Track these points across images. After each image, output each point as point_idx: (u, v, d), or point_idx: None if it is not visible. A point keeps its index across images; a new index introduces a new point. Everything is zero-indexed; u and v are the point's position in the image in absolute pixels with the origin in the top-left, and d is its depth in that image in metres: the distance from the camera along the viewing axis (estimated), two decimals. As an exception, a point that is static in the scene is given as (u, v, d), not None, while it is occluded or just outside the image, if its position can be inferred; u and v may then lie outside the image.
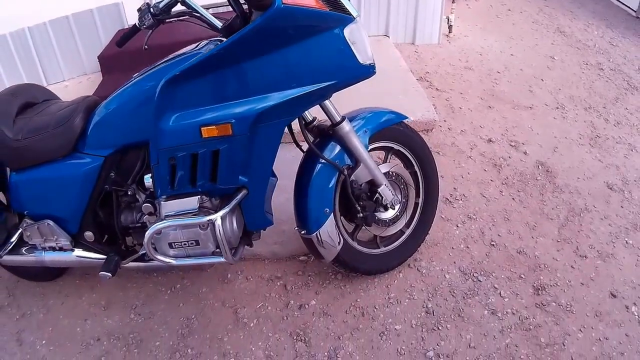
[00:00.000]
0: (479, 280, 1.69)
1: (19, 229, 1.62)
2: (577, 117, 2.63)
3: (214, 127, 1.24)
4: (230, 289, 1.73)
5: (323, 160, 1.44)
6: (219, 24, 1.34)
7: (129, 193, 1.49)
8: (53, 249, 1.62)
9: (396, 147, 1.60)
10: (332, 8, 1.25)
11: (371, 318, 1.57)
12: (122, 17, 3.25)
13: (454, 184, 2.11)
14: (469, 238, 1.85)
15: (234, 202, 1.34)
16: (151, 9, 1.36)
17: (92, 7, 3.16)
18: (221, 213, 1.32)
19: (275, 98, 1.24)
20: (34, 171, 1.50)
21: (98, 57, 3.03)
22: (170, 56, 1.43)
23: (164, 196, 1.38)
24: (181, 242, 1.40)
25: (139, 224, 1.51)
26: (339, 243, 1.51)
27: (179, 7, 1.38)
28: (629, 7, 4.09)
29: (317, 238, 1.47)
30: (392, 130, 1.57)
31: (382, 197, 1.51)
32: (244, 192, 1.36)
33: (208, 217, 1.33)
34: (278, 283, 1.72)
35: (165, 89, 1.24)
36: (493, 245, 1.82)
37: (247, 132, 1.25)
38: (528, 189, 2.10)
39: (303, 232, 1.50)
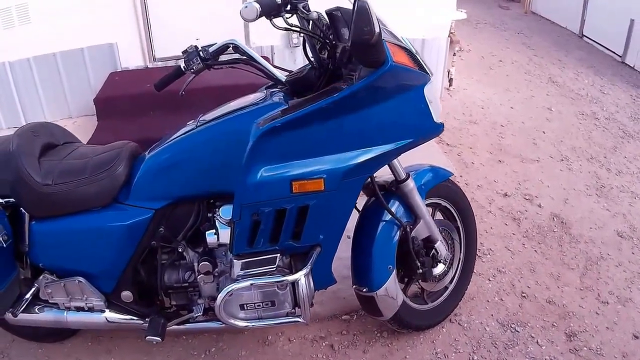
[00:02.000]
0: (517, 331, 1.80)
1: (34, 285, 1.46)
2: (581, 168, 2.85)
3: (306, 181, 1.21)
4: (273, 352, 1.69)
5: (386, 217, 1.44)
6: (281, 74, 1.35)
7: (179, 250, 1.40)
8: (79, 308, 1.47)
9: (443, 203, 1.67)
10: (416, 66, 1.29)
11: (422, 374, 1.63)
12: (115, 59, 3.03)
13: (480, 239, 2.24)
14: (502, 291, 1.98)
15: (312, 260, 1.31)
16: (200, 53, 1.32)
17: (83, 45, 2.91)
18: (304, 272, 1.29)
19: (365, 154, 1.24)
20: (63, 221, 1.37)
21: (94, 100, 2.82)
22: (233, 105, 1.37)
23: (234, 255, 1.31)
24: (255, 303, 1.34)
25: (186, 284, 1.43)
26: (400, 300, 1.54)
27: (229, 52, 1.34)
28: (614, 53, 4.43)
29: (380, 296, 1.47)
30: (441, 187, 1.63)
31: (438, 253, 1.57)
32: (318, 249, 1.33)
33: (292, 277, 1.29)
34: (323, 344, 1.73)
35: (260, 141, 1.19)
36: (524, 296, 1.96)
37: (336, 188, 1.23)
38: (547, 241, 2.26)
39: (364, 289, 1.48)
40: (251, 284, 1.32)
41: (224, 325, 1.44)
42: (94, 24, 2.87)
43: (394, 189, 1.50)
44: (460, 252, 1.81)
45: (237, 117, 1.32)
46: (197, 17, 3.02)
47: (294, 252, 1.36)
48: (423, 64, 1.32)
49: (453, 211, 1.75)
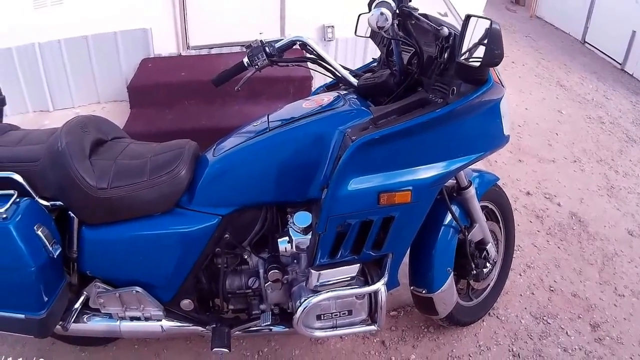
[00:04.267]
0: (548, 323, 1.95)
1: (82, 293, 1.38)
2: (592, 169, 3.03)
3: (393, 193, 1.20)
4: (326, 350, 1.72)
5: (447, 222, 1.48)
6: (352, 78, 1.32)
7: (245, 257, 1.37)
8: (134, 318, 1.41)
9: (491, 206, 1.75)
10: (498, 79, 1.29)
11: (468, 366, 1.74)
12: (148, 45, 2.95)
13: (511, 236, 2.45)
14: (532, 285, 2.13)
15: (387, 268, 1.32)
16: (266, 48, 1.27)
17: (116, 29, 2.81)
18: (383, 281, 1.30)
19: (449, 166, 1.25)
20: (119, 228, 1.29)
21: (127, 87, 2.76)
22: (305, 108, 1.32)
23: (315, 266, 1.28)
24: (332, 312, 1.33)
25: (249, 290, 1.41)
26: (455, 300, 1.63)
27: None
28: (614, 60, 4.67)
29: (438, 297, 1.53)
30: (490, 190, 1.70)
31: (489, 254, 1.66)
32: (390, 257, 1.33)
33: (373, 287, 1.30)
34: (375, 340, 1.79)
35: (354, 153, 1.16)
36: (552, 290, 2.11)
37: (421, 200, 1.24)
38: (568, 238, 2.42)
39: (423, 291, 1.53)
40: (331, 296, 1.30)
41: (287, 330, 1.43)
42: (129, 8, 2.77)
43: (455, 194, 1.54)
44: (501, 250, 1.93)
45: (317, 121, 1.28)
46: (233, 6, 2.97)
47: (368, 260, 1.36)
48: (499, 77, 1.32)
49: (497, 213, 1.86)
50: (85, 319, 1.43)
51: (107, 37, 2.83)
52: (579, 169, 3.04)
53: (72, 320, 1.37)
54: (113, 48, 2.87)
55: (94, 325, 1.43)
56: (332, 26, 3.19)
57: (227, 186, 1.30)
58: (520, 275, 2.21)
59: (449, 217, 1.53)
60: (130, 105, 2.79)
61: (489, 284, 1.91)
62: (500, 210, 1.87)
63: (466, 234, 1.56)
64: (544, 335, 1.93)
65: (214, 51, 3.16)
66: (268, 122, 1.34)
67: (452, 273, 1.58)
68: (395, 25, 1.25)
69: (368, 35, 1.61)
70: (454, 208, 1.53)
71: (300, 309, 1.31)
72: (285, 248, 1.32)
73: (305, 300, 1.31)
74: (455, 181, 1.53)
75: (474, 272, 1.63)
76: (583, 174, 3.00)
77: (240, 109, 2.78)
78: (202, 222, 1.30)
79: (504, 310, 2.02)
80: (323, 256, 1.28)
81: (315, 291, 1.34)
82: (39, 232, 1.24)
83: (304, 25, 3.06)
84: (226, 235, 1.33)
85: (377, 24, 1.14)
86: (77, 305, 1.38)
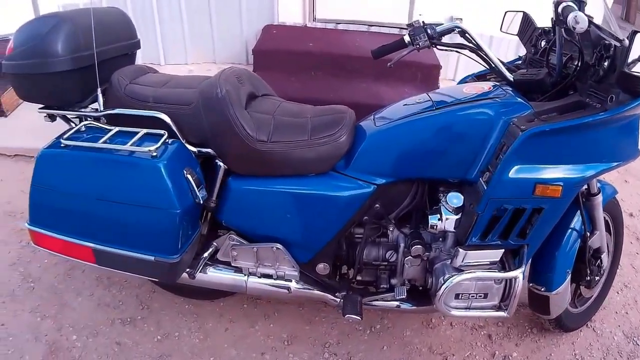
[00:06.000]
0: (638, 344, 1.93)
1: (212, 244, 1.41)
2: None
3: (547, 186, 1.25)
4: (436, 335, 1.77)
5: (573, 225, 1.51)
6: (508, 74, 1.35)
7: (389, 229, 1.40)
8: (265, 275, 1.42)
9: (607, 217, 1.76)
10: None
11: (563, 371, 1.74)
12: (273, 12, 2.91)
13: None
14: (627, 305, 2.10)
15: (525, 257, 1.35)
16: (427, 30, 1.30)
17: None
18: (522, 269, 1.34)
19: (593, 169, 1.28)
20: (270, 182, 1.31)
21: (253, 50, 2.70)
22: (467, 92, 1.35)
23: (466, 245, 1.32)
24: (470, 293, 1.37)
25: (385, 262, 1.44)
26: (567, 302, 1.65)
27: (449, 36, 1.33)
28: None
29: (554, 297, 1.55)
30: (609, 203, 1.73)
31: (602, 264, 1.67)
32: (526, 247, 1.36)
33: (512, 273, 1.33)
34: (482, 332, 1.83)
35: (524, 141, 1.20)
36: None
37: (566, 197, 1.28)
38: (666, 261, 2.40)
39: (542, 289, 1.56)
40: (476, 276, 1.33)
41: (414, 307, 1.47)
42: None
43: (584, 199, 1.56)
44: (609, 263, 1.92)
45: (483, 106, 1.31)
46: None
47: (508, 247, 1.40)
48: None
49: (611, 225, 1.86)
50: (210, 270, 1.43)
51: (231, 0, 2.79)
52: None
53: (200, 269, 1.38)
54: (236, 10, 2.83)
55: (221, 277, 1.44)
56: (460, 19, 3.15)
57: (388, 156, 1.32)
58: (618, 293, 2.19)
59: (575, 220, 1.56)
60: (254, 68, 2.76)
61: (593, 295, 1.91)
62: (614, 223, 1.87)
63: (587, 239, 1.58)
64: (633, 356, 1.91)
65: (339, 27, 3.14)
66: (431, 101, 1.37)
67: (570, 276, 1.60)
68: (563, 29, 1.29)
69: (515, 33, 1.64)
70: (583, 213, 1.56)
71: (444, 286, 1.34)
72: (436, 225, 1.34)
73: (450, 277, 1.35)
74: (586, 187, 1.55)
75: (588, 278, 1.64)
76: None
77: (367, 87, 2.75)
78: (358, 189, 1.32)
79: (599, 324, 2.01)
80: (475, 236, 1.32)
81: (459, 270, 1.37)
82: (188, 176, 1.27)
83: (432, 12, 2.99)
84: (376, 205, 1.35)
85: (579, 27, 1.16)
86: (206, 255, 1.40)
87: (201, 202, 1.29)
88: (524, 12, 1.66)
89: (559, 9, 1.21)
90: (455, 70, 3.33)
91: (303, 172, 1.32)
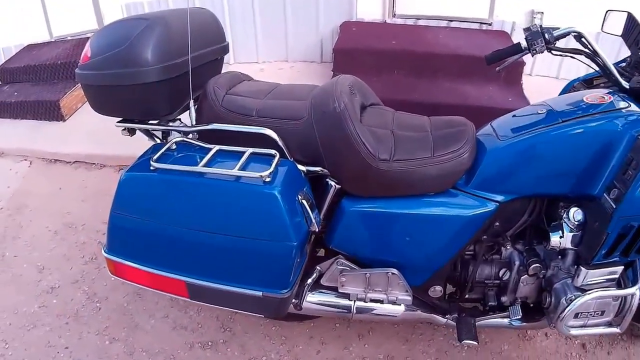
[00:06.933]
0: None
1: (315, 269, 1.31)
2: None
3: None
4: (533, 347, 1.75)
5: None
6: (624, 82, 1.29)
7: (506, 247, 1.34)
8: (375, 300, 1.32)
9: None
10: None
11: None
12: (352, 8, 2.77)
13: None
14: None
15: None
16: (545, 34, 1.25)
17: None
18: (638, 285, 1.30)
19: None
20: (387, 203, 1.22)
21: (333, 49, 2.57)
22: (586, 99, 1.26)
23: (590, 264, 1.26)
24: (588, 312, 1.32)
25: (497, 280, 1.39)
26: None
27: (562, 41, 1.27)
28: None
29: None
30: None
31: None
32: (637, 262, 1.32)
33: (631, 290, 1.30)
34: (576, 342, 1.82)
35: None
36: None
37: None
38: None
39: None
40: (598, 295, 1.28)
41: (526, 324, 1.43)
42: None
43: None
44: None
45: (611, 120, 1.22)
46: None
47: (625, 263, 1.34)
48: None
49: None
50: (315, 297, 1.32)
51: (308, -4, 2.60)
52: None
53: (305, 298, 1.28)
54: (312, 6, 2.68)
55: (327, 304, 1.33)
56: (542, 12, 3.01)
57: (513, 173, 1.26)
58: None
59: None
60: (333, 67, 2.62)
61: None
62: None
63: None
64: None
65: (419, 23, 3.00)
66: (555, 111, 1.30)
67: None
68: None
69: (619, 34, 1.59)
70: None
71: (568, 308, 1.30)
72: (560, 242, 1.29)
73: (575, 298, 1.31)
74: None
75: None
76: None
77: (451, 86, 2.64)
78: (480, 207, 1.26)
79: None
80: (601, 255, 1.27)
81: (581, 289, 1.34)
82: (303, 201, 1.16)
83: (513, 6, 2.90)
84: (496, 223, 1.31)
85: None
86: (309, 281, 1.30)
87: (317, 229, 1.18)
88: (629, 13, 1.58)
89: None
90: (532, 66, 3.11)
91: (422, 191, 1.24)
